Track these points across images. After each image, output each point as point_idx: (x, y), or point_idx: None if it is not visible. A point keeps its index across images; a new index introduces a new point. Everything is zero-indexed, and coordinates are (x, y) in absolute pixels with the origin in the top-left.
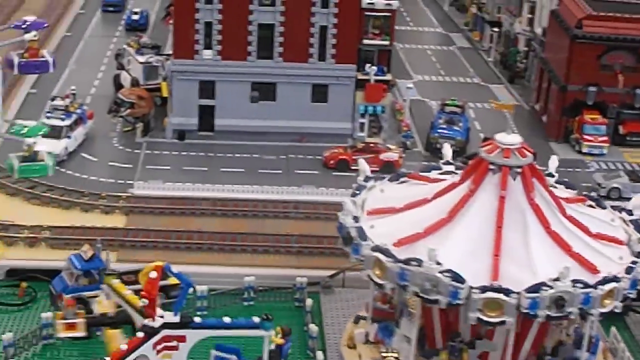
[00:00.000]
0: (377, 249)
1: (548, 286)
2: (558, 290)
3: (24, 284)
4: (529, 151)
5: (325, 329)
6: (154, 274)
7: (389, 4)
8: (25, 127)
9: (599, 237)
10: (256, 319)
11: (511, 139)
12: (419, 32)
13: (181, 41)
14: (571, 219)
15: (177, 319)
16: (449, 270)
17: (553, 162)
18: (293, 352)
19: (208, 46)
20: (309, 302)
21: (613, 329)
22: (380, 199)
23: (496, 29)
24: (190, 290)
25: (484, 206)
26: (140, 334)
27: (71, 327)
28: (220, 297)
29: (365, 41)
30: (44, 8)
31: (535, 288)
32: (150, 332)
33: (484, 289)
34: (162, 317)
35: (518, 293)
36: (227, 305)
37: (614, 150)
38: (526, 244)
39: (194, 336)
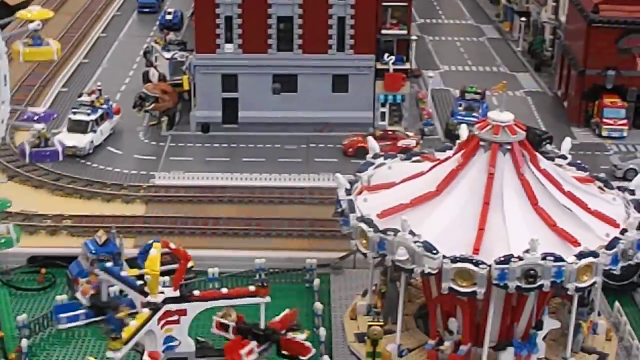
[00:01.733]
0: (361, 219)
1: (518, 258)
2: (528, 263)
3: (43, 270)
4: (521, 129)
5: (333, 307)
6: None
7: None
8: None
9: (595, 214)
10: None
11: (503, 116)
12: (449, 24)
13: (203, 36)
14: (569, 195)
15: (177, 294)
16: (423, 241)
17: (566, 144)
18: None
19: (229, 40)
20: (316, 282)
21: (617, 303)
22: (386, 176)
23: (524, 19)
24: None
25: (472, 181)
26: (145, 310)
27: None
28: (231, 279)
29: (383, 31)
30: (81, 10)
31: (505, 260)
32: (155, 308)
33: (454, 259)
34: (162, 292)
35: (488, 264)
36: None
37: (635, 133)
38: (508, 218)
39: (194, 309)
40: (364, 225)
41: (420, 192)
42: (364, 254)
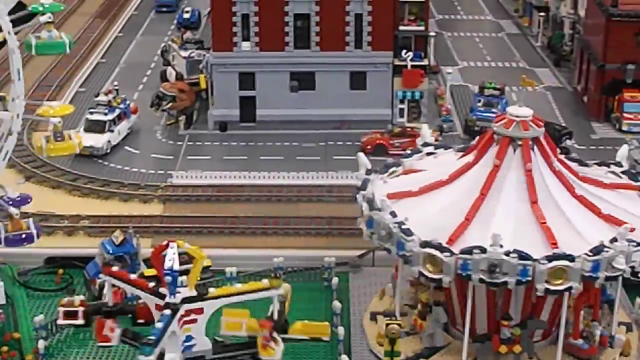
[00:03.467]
0: (427, 244)
1: (608, 248)
2: (616, 251)
3: (60, 271)
4: (538, 125)
5: (352, 306)
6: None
7: None
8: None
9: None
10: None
11: (522, 111)
12: (469, 20)
13: (220, 34)
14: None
15: (194, 293)
16: (513, 251)
17: (622, 151)
18: None
19: (246, 38)
20: (334, 280)
21: (638, 299)
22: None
23: (543, 14)
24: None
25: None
26: (167, 311)
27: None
28: (250, 278)
29: (401, 27)
30: (99, 10)
31: (597, 250)
32: (175, 308)
33: (549, 259)
34: (179, 292)
35: (580, 257)
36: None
37: None
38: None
39: (210, 307)
40: (434, 251)
41: (464, 200)
42: (435, 280)
